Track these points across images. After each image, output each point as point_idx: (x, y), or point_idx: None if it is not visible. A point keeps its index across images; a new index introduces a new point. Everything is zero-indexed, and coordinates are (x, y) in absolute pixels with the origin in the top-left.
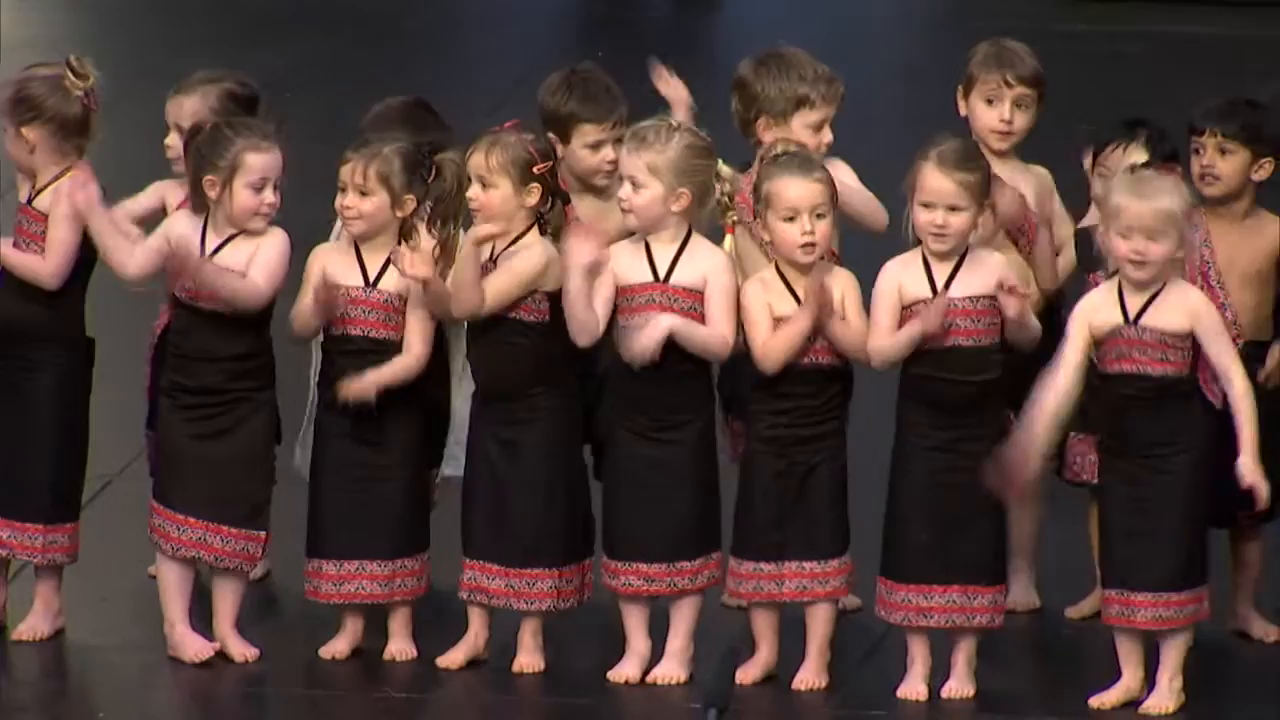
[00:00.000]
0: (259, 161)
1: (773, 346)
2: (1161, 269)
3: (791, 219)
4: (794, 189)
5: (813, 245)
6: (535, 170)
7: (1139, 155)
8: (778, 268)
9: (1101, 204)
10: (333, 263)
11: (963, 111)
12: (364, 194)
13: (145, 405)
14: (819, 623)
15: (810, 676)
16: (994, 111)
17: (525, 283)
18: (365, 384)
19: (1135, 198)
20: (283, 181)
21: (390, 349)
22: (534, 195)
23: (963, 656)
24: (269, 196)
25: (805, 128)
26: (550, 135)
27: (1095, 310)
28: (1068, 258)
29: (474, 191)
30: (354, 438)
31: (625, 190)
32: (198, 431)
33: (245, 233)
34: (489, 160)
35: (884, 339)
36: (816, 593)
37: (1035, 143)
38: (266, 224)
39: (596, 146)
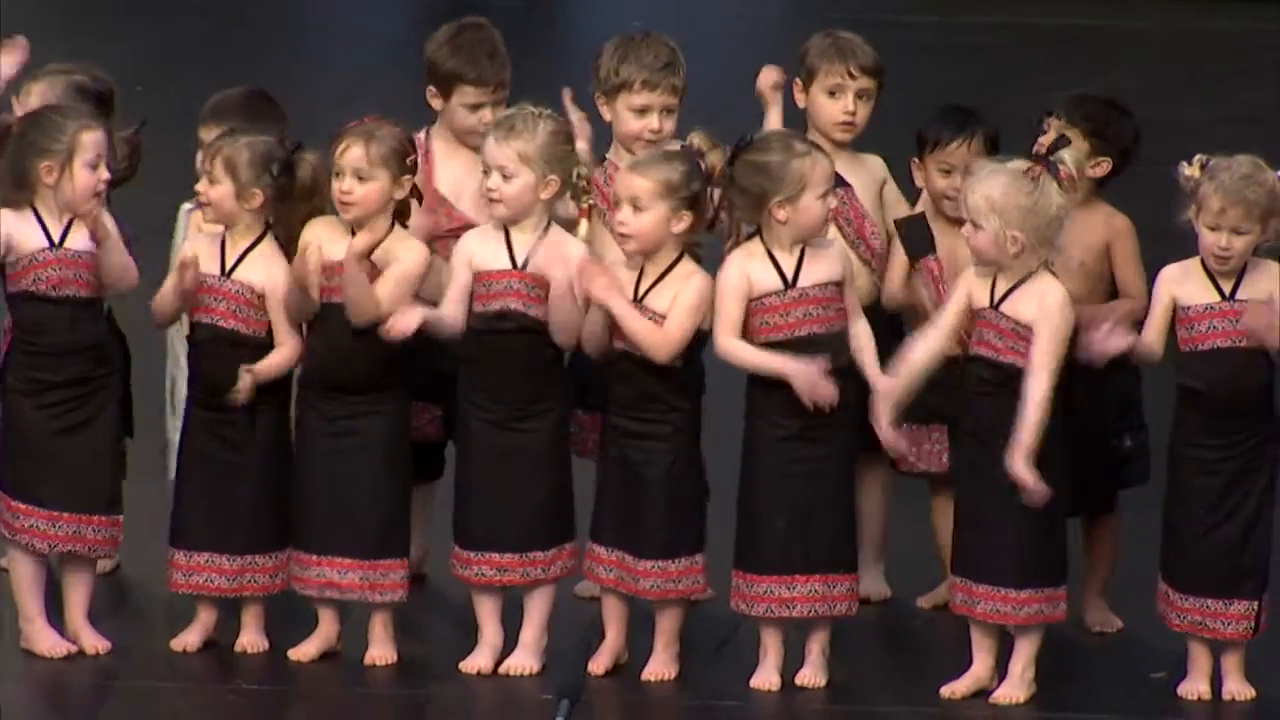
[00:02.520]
0: (93, 139)
1: (583, 335)
2: (986, 256)
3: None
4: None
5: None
6: (409, 162)
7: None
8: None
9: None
10: (199, 248)
11: (801, 104)
12: (212, 181)
13: None
14: (667, 616)
15: (660, 668)
16: (837, 104)
17: (417, 282)
18: (245, 383)
19: (964, 184)
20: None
21: (244, 342)
22: (404, 188)
23: (817, 646)
24: (104, 173)
25: (628, 110)
26: (431, 88)
27: (970, 285)
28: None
29: (348, 185)
30: (214, 431)
31: (495, 180)
32: (62, 425)
33: (79, 217)
34: (368, 153)
35: (730, 334)
36: (629, 587)
37: (884, 134)
38: (100, 203)
39: (475, 108)
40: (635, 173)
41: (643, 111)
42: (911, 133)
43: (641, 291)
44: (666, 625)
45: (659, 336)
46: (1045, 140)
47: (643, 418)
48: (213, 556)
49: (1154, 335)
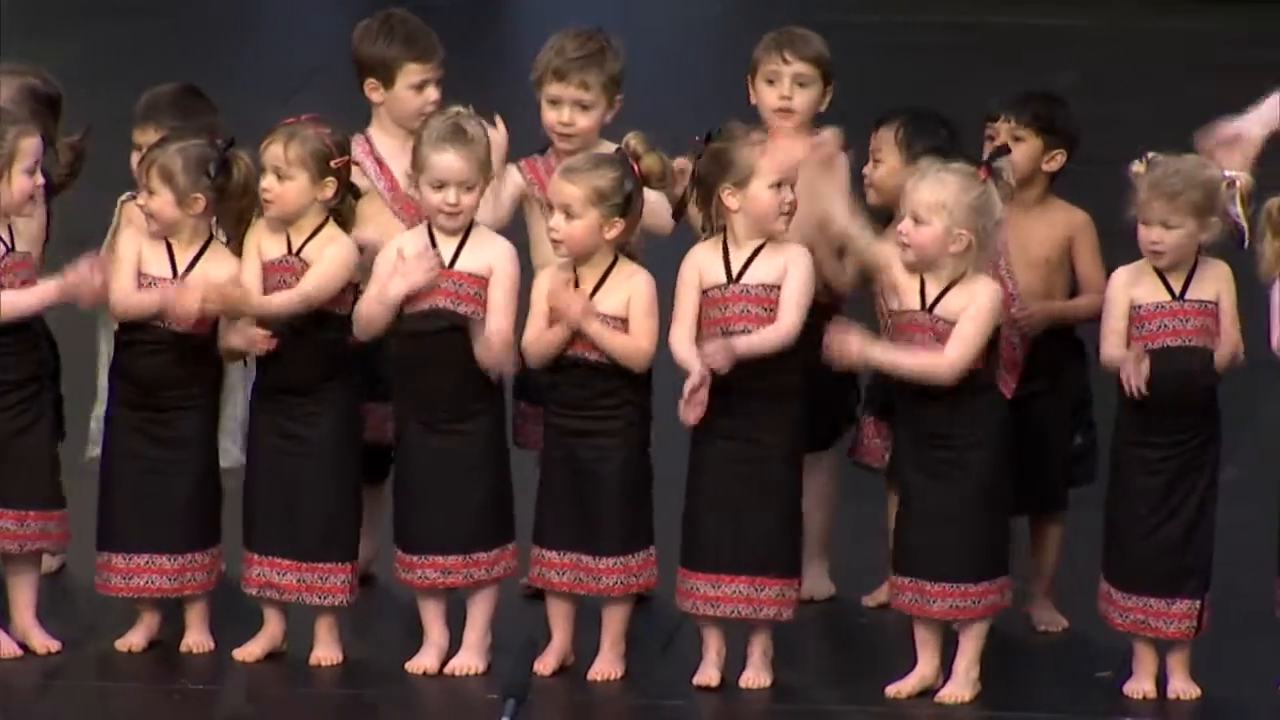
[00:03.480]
0: (31, 145)
1: (529, 343)
2: (926, 254)
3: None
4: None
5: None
6: (332, 164)
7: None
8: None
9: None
10: (145, 252)
11: (753, 99)
12: (151, 192)
13: None
14: (613, 616)
15: (605, 667)
16: (774, 90)
17: (348, 269)
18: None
19: (913, 182)
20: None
21: (188, 343)
22: (329, 189)
23: (758, 648)
24: (39, 179)
25: (545, 101)
26: (371, 80)
27: (902, 286)
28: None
29: (269, 183)
30: (145, 431)
31: (451, 194)
32: (18, 426)
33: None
34: (287, 152)
35: (679, 325)
36: (588, 588)
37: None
38: (34, 207)
39: (421, 86)
40: (566, 179)
41: (555, 103)
42: (855, 132)
43: (589, 293)
44: (613, 624)
45: (633, 348)
46: (994, 145)
47: (593, 415)
48: (153, 557)
49: (1117, 341)
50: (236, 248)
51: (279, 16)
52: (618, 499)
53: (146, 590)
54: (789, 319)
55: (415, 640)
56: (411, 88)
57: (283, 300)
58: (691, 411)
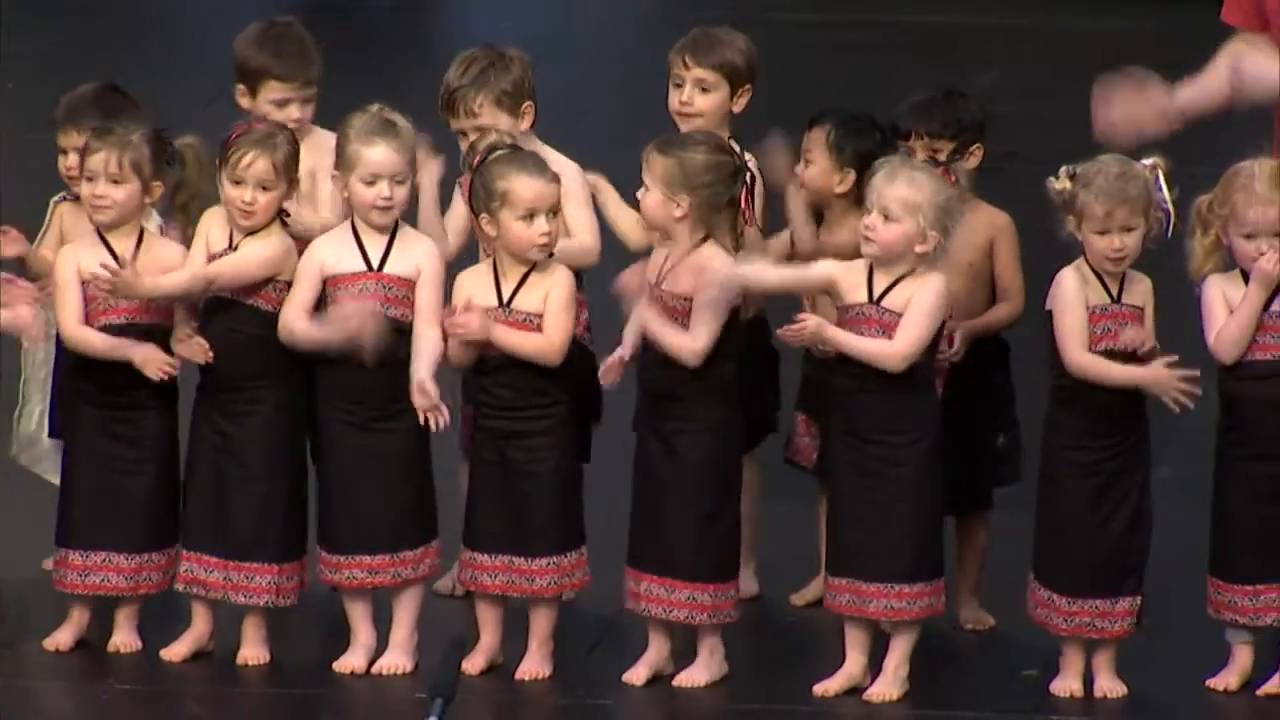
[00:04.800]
0: None
1: (450, 353)
2: (890, 251)
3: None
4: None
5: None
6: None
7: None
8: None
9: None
10: (82, 253)
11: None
12: (116, 182)
13: None
14: (542, 616)
15: (534, 667)
16: (677, 94)
17: (265, 266)
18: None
19: (884, 178)
20: None
21: (150, 333)
22: (154, 194)
23: (706, 648)
24: None
25: (268, 103)
26: (240, 86)
27: (844, 281)
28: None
29: (103, 189)
30: (105, 430)
31: (384, 188)
32: None
33: None
34: (120, 157)
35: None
36: (524, 589)
37: (759, 133)
38: None
39: (283, 104)
40: (545, 180)
41: (460, 133)
42: (784, 132)
43: (507, 295)
44: (542, 624)
45: (544, 345)
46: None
47: (525, 416)
48: (110, 555)
49: (1083, 344)
50: (180, 237)
51: (204, 17)
52: (551, 499)
53: (102, 589)
54: (700, 336)
55: (342, 640)
56: (272, 103)
57: (173, 280)
58: (605, 376)
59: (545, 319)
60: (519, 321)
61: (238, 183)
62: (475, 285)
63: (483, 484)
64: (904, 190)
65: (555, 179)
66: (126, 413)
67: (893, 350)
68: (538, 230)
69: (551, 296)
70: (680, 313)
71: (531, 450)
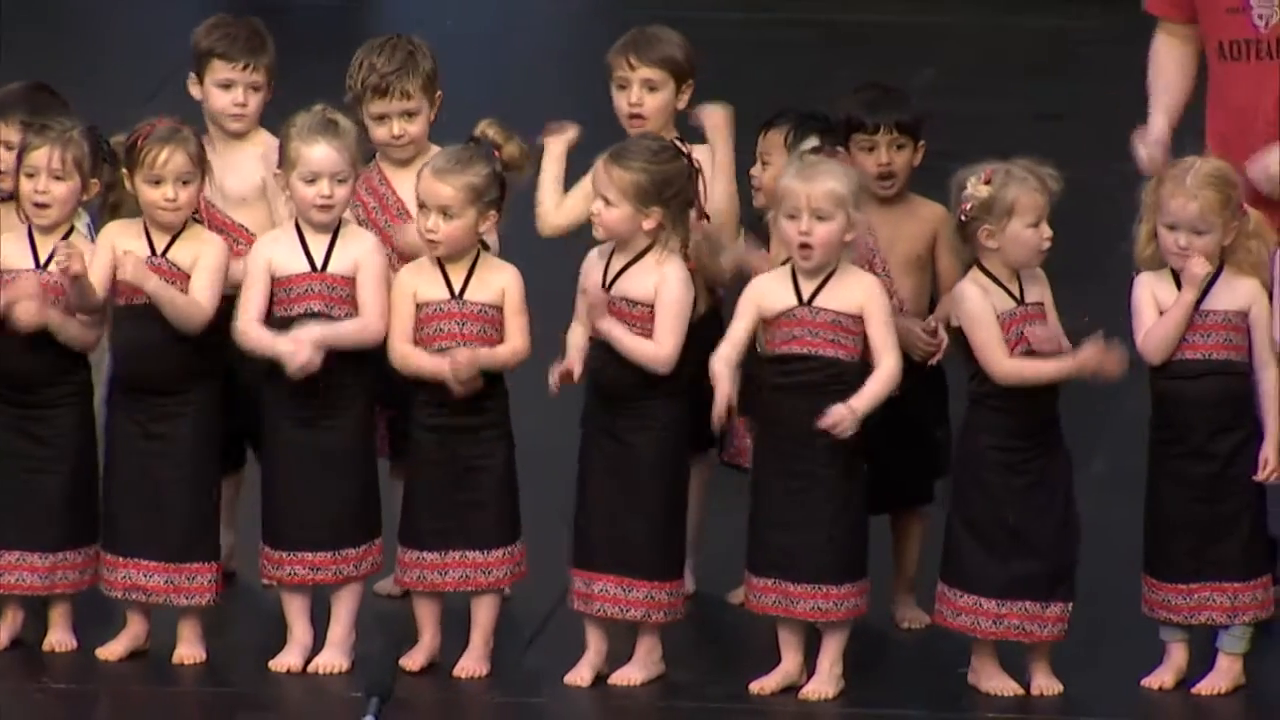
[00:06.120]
0: None
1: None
2: (828, 251)
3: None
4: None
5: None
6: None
7: (810, 142)
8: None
9: (760, 185)
10: (7, 248)
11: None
12: (59, 178)
13: None
14: (486, 609)
15: (472, 664)
16: (624, 96)
17: (225, 271)
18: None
19: (800, 180)
20: None
21: (55, 332)
22: (90, 191)
23: (643, 647)
24: None
25: (370, 119)
26: (193, 75)
27: (765, 293)
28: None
29: (45, 184)
30: (17, 429)
31: (324, 186)
32: None
33: None
34: (61, 154)
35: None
36: (479, 582)
37: (693, 131)
38: None
39: (227, 86)
40: (441, 180)
41: (382, 118)
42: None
43: (458, 288)
44: (486, 618)
45: (512, 351)
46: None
47: (474, 411)
48: (24, 555)
49: (1005, 353)
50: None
51: (139, 13)
52: (503, 491)
53: (17, 588)
54: (667, 343)
55: (278, 638)
56: (217, 85)
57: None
58: (554, 385)
59: (507, 323)
60: (474, 314)
61: (156, 182)
62: (417, 280)
63: (429, 483)
64: (829, 185)
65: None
66: (40, 410)
67: (887, 372)
68: (422, 224)
69: (508, 300)
70: (632, 317)
71: (483, 444)
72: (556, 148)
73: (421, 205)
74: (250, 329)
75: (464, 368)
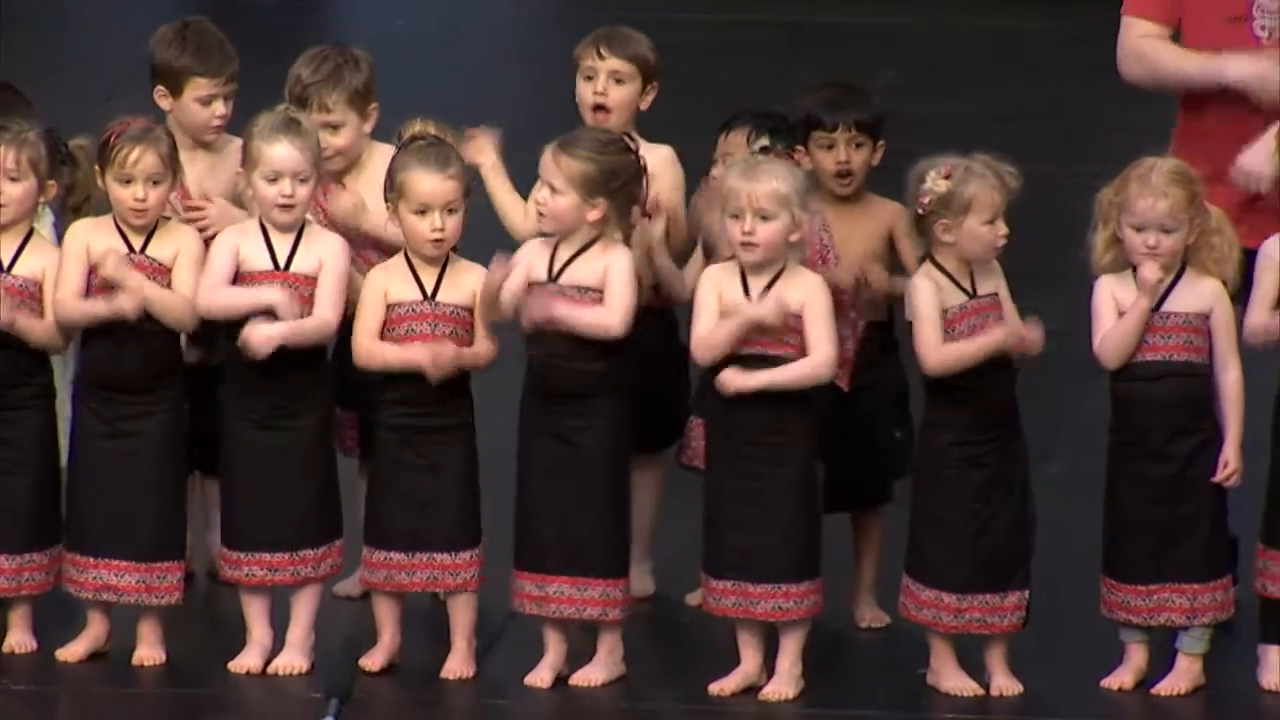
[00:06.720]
0: None
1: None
2: (773, 250)
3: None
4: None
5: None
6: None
7: (761, 142)
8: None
9: (716, 189)
10: None
11: (577, 97)
12: (14, 180)
13: None
14: (464, 610)
15: (457, 665)
16: (590, 86)
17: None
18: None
19: (744, 180)
20: None
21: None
22: (49, 193)
23: (604, 647)
24: None
25: (193, 101)
26: (160, 88)
27: (722, 284)
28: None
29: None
30: None
31: (286, 185)
32: None
33: None
34: (16, 155)
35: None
36: (446, 584)
37: (655, 131)
38: None
39: (208, 101)
40: (447, 178)
41: (322, 127)
42: (683, 130)
43: (430, 289)
44: (465, 620)
45: (488, 354)
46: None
47: (440, 410)
48: None
49: (937, 343)
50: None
51: (96, 13)
52: (469, 492)
53: None
54: (617, 309)
55: (238, 639)
56: (198, 101)
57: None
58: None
59: (476, 324)
60: (447, 315)
61: (127, 181)
62: (389, 280)
63: (394, 484)
64: (772, 184)
65: (455, 176)
66: (4, 413)
67: (819, 362)
68: (429, 225)
69: (479, 298)
70: (580, 303)
71: (447, 445)
72: (488, 158)
73: (422, 210)
74: (219, 296)
75: (448, 361)
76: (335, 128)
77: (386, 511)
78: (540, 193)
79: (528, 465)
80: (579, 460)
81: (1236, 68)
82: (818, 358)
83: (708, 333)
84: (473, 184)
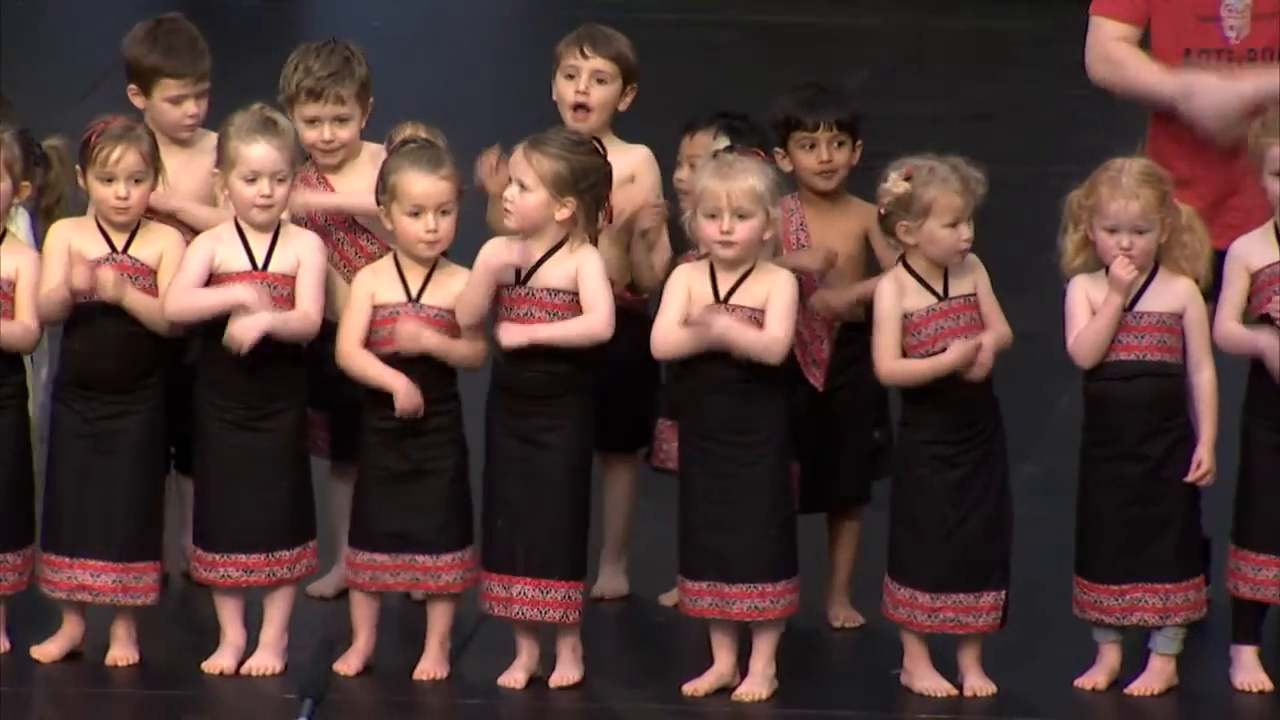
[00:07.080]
0: None
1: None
2: (750, 248)
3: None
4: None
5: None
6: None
7: (722, 142)
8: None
9: (689, 189)
10: None
11: (555, 95)
12: None
13: None
14: (442, 612)
15: (431, 667)
16: (571, 85)
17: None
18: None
19: (720, 179)
20: None
21: None
22: (23, 194)
23: (566, 646)
24: None
25: (301, 121)
26: (132, 86)
27: (692, 282)
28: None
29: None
30: None
31: (264, 185)
32: None
33: None
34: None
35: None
36: (429, 586)
37: (629, 132)
38: None
39: (178, 101)
40: (440, 178)
41: (313, 121)
42: (655, 130)
43: (415, 291)
44: (442, 621)
45: (472, 352)
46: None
47: (427, 412)
48: None
49: (895, 353)
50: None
51: (72, 13)
52: (457, 494)
53: None
54: (602, 309)
55: (211, 639)
56: (168, 100)
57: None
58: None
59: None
60: (431, 318)
61: (109, 180)
62: (375, 282)
63: (379, 485)
64: (749, 182)
65: (448, 177)
66: None
67: (772, 339)
68: (423, 227)
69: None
70: (554, 306)
71: (437, 447)
72: (499, 181)
73: (416, 211)
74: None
75: (409, 337)
76: (344, 120)
77: (373, 514)
78: (509, 190)
79: (494, 465)
80: (548, 461)
81: (1186, 104)
82: (771, 338)
83: (669, 328)
84: (465, 186)
